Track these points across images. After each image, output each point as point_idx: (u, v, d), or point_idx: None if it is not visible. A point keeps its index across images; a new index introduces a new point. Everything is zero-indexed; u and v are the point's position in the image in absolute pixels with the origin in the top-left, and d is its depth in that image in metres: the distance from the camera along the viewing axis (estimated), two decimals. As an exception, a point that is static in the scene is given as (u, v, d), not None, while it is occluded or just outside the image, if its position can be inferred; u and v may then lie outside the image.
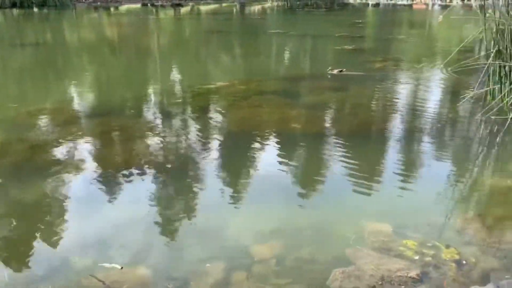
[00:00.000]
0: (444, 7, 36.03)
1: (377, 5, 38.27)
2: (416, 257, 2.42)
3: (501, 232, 2.76)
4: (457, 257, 2.42)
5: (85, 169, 3.82)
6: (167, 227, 2.99)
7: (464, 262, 2.39)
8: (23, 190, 3.45)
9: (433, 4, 39.78)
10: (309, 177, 3.75)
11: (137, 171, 3.74)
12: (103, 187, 3.51)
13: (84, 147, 4.30)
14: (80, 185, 3.59)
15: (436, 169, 3.87)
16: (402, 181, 3.64)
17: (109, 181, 3.62)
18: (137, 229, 2.94)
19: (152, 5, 34.30)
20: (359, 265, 2.39)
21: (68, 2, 28.66)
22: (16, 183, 3.59)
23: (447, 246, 2.52)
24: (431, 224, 2.88)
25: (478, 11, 5.34)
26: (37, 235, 2.89)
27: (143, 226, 2.98)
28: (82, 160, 4.00)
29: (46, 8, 26.43)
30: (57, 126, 4.97)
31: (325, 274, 2.38)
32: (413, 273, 2.25)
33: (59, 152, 4.19)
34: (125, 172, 3.74)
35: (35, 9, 26.07)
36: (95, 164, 3.95)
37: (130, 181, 3.59)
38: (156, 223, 3.03)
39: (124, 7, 30.79)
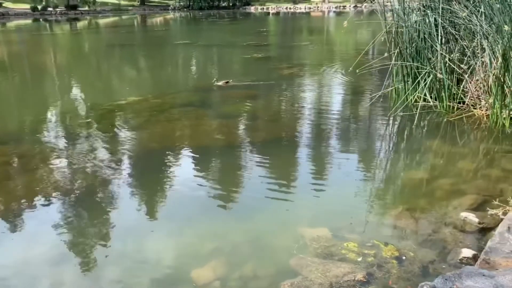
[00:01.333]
0: (338, 13, 38.56)
1: (277, 13, 39.78)
2: (359, 259, 2.44)
3: (429, 223, 2.90)
4: (396, 253, 2.48)
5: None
6: (97, 260, 2.69)
7: (403, 258, 2.45)
8: None
9: (329, 11, 42.40)
10: (235, 190, 3.65)
11: (46, 201, 3.36)
12: (12, 223, 3.09)
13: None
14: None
15: (356, 169, 4.01)
16: (326, 184, 3.70)
17: (14, 215, 3.20)
18: (60, 266, 2.62)
19: (45, 20, 32.07)
20: (306, 274, 2.34)
21: None
22: None
23: (386, 244, 2.58)
24: (365, 222, 2.94)
25: (379, 15, 5.68)
26: None
27: (67, 263, 2.66)
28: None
29: None
30: None
31: (273, 289, 2.30)
32: (359, 276, 2.26)
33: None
34: (32, 203, 3.33)
35: None
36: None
37: (39, 212, 3.20)
38: (82, 257, 2.72)
39: (12, 23, 28.38)
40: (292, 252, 2.58)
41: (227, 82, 7.41)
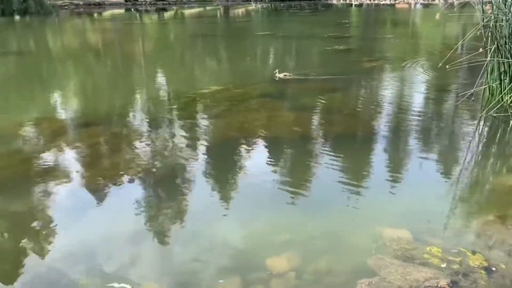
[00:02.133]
0: (426, 6, 36.50)
1: (360, 5, 38.57)
2: (443, 265, 2.31)
3: (523, 234, 2.67)
4: (485, 263, 2.31)
5: (75, 179, 3.65)
6: (173, 241, 2.83)
7: (493, 269, 2.28)
8: (13, 202, 3.26)
9: (416, 3, 40.29)
10: (310, 183, 3.62)
11: (129, 180, 3.58)
12: (97, 197, 3.34)
13: (74, 157, 4.11)
14: (71, 197, 3.40)
15: (439, 170, 3.79)
16: (406, 183, 3.54)
17: (100, 191, 3.44)
18: (140, 243, 2.79)
19: (136, 10, 34.01)
20: (384, 275, 2.26)
21: (50, 9, 28.20)
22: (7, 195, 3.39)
23: (473, 252, 2.42)
24: (451, 228, 2.78)
25: (476, 7, 5.28)
26: (34, 252, 2.70)
27: (146, 240, 2.82)
28: (72, 171, 3.81)
29: (28, 16, 25.95)
30: (45, 136, 4.76)
31: (349, 286, 2.25)
32: (443, 283, 2.14)
33: (50, 162, 4.00)
34: (117, 181, 3.57)
35: (17, 17, 25.57)
36: (86, 173, 3.77)
37: (122, 190, 3.42)
38: (160, 236, 2.87)
39: (107, 13, 30.42)
40: (369, 251, 2.51)
41: (285, 75, 7.36)
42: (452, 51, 6.34)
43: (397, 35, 14.73)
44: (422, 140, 4.47)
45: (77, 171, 3.84)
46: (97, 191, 3.46)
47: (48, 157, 4.14)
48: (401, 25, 19.97)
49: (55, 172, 3.81)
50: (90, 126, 5.04)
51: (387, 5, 38.93)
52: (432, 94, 6.40)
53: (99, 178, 3.69)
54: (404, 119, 5.15)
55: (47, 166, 3.94)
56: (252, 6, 38.43)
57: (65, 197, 3.41)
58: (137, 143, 4.45)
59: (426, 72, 7.65)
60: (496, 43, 5.13)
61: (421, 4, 39.55)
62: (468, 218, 2.99)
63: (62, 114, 5.78)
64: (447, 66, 5.40)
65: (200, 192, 3.46)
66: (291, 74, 7.40)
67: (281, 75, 7.32)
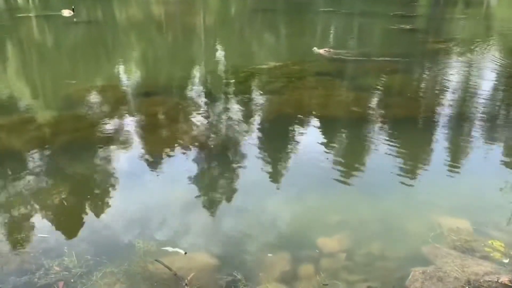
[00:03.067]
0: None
1: (430, -18, 36.36)
2: (506, 260, 2.19)
3: None
4: (553, 262, 2.16)
5: (135, 146, 3.79)
6: (224, 213, 2.89)
7: (562, 268, 2.13)
8: (76, 165, 3.44)
9: (492, -18, 37.40)
10: (364, 165, 3.52)
11: (185, 150, 3.66)
12: (154, 166, 3.45)
13: (135, 125, 4.27)
14: (130, 163, 3.53)
15: (503, 161, 3.55)
16: (467, 173, 3.35)
17: (157, 160, 3.56)
18: (192, 212, 2.86)
19: (198, -17, 34.08)
20: (440, 265, 2.18)
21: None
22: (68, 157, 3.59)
23: (540, 249, 2.27)
24: (515, 222, 2.62)
25: None
26: (95, 214, 2.86)
27: (199, 210, 2.90)
28: (132, 138, 3.95)
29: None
30: (110, 104, 4.96)
31: (402, 273, 2.20)
32: (504, 279, 2.03)
33: (112, 129, 4.17)
34: (173, 151, 3.66)
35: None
36: (145, 141, 3.90)
37: (183, 161, 3.50)
38: (212, 207, 2.93)
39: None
40: (426, 239, 2.42)
41: (328, 50, 7.24)
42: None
43: (469, 15, 13.83)
44: (487, 129, 4.19)
45: (137, 139, 3.98)
46: (154, 159, 3.58)
47: (110, 124, 4.32)
48: (474, 4, 18.68)
49: (116, 139, 3.97)
50: (151, 96, 5.19)
51: (460, -17, 36.46)
52: (502, 81, 5.96)
53: (157, 147, 3.81)
54: (470, 105, 4.86)
55: (109, 133, 4.11)
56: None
57: (124, 163, 3.56)
58: (194, 115, 4.53)
59: (497, 56, 7.14)
60: None
61: (497, -17, 36.68)
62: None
63: (126, 83, 5.98)
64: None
65: (250, 166, 3.47)
66: (330, 50, 7.28)
67: (321, 51, 7.21)
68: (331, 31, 11.06)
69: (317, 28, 11.48)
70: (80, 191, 3.14)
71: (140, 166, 3.49)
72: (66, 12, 12.29)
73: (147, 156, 3.64)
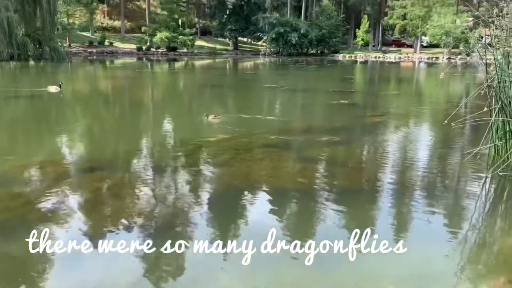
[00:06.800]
0: (430, 65, 37.44)
1: (365, 62, 39.62)
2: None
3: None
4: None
5: (75, 225, 3.58)
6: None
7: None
8: (10, 244, 3.19)
9: (420, 62, 41.35)
10: (312, 237, 3.52)
11: (129, 225, 3.51)
12: (95, 244, 3.26)
13: (76, 202, 4.08)
14: (69, 242, 3.30)
15: (444, 229, 3.68)
16: (410, 242, 3.37)
17: (99, 238, 3.37)
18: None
19: (148, 59, 35.05)
20: None
21: (64, 55, 29.19)
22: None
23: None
24: (459, 290, 2.66)
25: (479, 67, 5.39)
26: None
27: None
28: (72, 216, 3.75)
29: (43, 61, 26.80)
30: (50, 180, 4.74)
31: None
32: None
33: (51, 206, 3.95)
34: (116, 226, 3.50)
35: (32, 62, 26.39)
36: (87, 219, 3.71)
37: (127, 239, 3.34)
38: (158, 286, 2.78)
39: (119, 61, 31.36)
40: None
41: (216, 116, 7.95)
42: (457, 109, 6.39)
43: (401, 92, 15.01)
44: (427, 198, 4.37)
45: (77, 216, 3.78)
46: (94, 239, 3.38)
47: (48, 202, 4.09)
48: (406, 82, 20.37)
49: (53, 217, 3.75)
50: (95, 171, 5.03)
51: (392, 62, 39.97)
52: (437, 152, 6.39)
53: (98, 225, 3.63)
54: (409, 176, 5.10)
55: (46, 211, 3.88)
56: (261, 60, 39.57)
57: (61, 242, 3.33)
58: (140, 190, 4.41)
59: (430, 129, 7.70)
60: (500, 103, 5.18)
61: (425, 62, 40.60)
62: (477, 280, 2.88)
63: (68, 158, 5.78)
64: (452, 124, 5.41)
65: (198, 237, 3.36)
66: (220, 116, 7.95)
67: (211, 117, 7.88)
68: (277, 104, 11.52)
69: (263, 103, 11.94)
70: (11, 274, 2.88)
71: (78, 244, 3.27)
72: (53, 88, 11.83)
73: (86, 236, 3.43)
